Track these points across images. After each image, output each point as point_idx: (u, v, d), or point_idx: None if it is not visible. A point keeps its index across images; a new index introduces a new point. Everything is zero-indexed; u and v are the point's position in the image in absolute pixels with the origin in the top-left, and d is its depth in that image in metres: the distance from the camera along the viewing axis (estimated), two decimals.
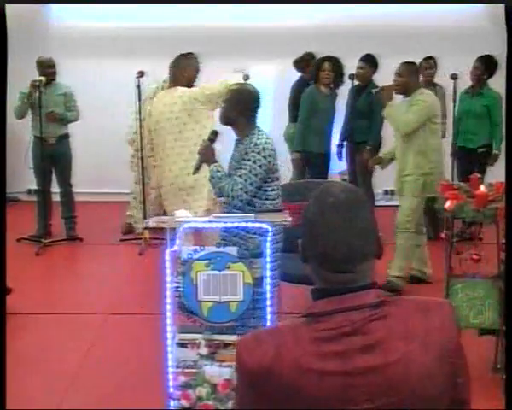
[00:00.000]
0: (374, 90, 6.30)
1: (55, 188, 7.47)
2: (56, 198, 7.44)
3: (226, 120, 4.14)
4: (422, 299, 1.56)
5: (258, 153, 3.93)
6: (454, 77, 6.95)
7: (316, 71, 6.97)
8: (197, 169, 4.23)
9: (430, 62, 7.13)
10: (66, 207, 7.39)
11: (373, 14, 8.35)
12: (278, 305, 4.60)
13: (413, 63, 5.88)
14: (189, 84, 5.52)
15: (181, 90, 5.43)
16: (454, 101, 7.03)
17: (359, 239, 1.47)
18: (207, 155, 4.14)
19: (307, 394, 1.43)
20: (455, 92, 6.99)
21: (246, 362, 1.49)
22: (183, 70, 5.54)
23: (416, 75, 5.86)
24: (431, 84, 7.14)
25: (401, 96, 5.88)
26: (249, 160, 3.93)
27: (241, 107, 4.05)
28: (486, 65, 6.86)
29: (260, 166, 3.93)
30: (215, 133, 4.23)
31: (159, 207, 6.62)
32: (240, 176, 3.92)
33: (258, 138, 3.98)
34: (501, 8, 5.88)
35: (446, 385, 1.47)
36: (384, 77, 7.23)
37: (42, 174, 7.16)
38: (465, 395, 1.54)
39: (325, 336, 1.44)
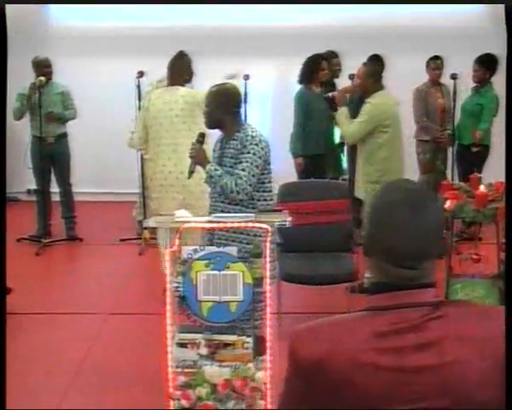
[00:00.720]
0: (327, 95, 6.30)
1: (55, 188, 7.47)
2: (56, 198, 7.44)
3: (213, 123, 4.13)
4: (482, 305, 1.57)
5: (256, 145, 3.94)
6: (454, 77, 6.95)
7: (310, 71, 6.91)
8: (191, 172, 4.23)
9: (437, 62, 7.12)
10: (66, 206, 7.39)
11: (374, 15, 8.34)
12: (278, 305, 4.60)
13: (372, 64, 5.91)
14: (186, 84, 5.58)
15: (184, 90, 5.47)
16: (454, 100, 7.03)
17: (427, 237, 1.48)
18: (200, 157, 4.13)
19: (360, 388, 1.42)
20: (455, 92, 7.00)
21: (299, 354, 1.48)
22: (181, 70, 5.58)
23: (376, 77, 5.70)
24: (437, 84, 7.15)
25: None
26: (248, 152, 3.93)
27: (225, 106, 4.04)
28: (485, 64, 6.86)
29: (260, 157, 3.94)
30: (203, 135, 4.25)
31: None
32: (242, 170, 3.91)
33: (253, 132, 4.00)
34: (501, 8, 5.88)
35: (498, 394, 1.45)
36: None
37: (41, 174, 7.16)
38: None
39: (382, 331, 1.44)
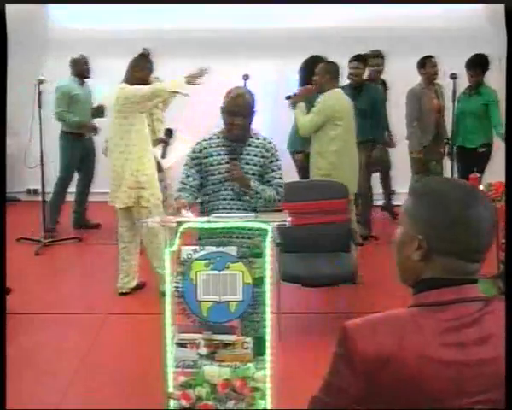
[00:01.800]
0: (289, 95, 6.39)
1: (52, 188, 7.51)
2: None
3: (247, 131, 3.94)
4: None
5: (277, 151, 3.99)
6: (453, 77, 6.94)
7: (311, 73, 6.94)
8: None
9: (432, 61, 7.12)
10: (84, 200, 7.78)
11: (374, 16, 8.34)
12: (277, 305, 4.60)
13: (329, 63, 6.08)
14: (143, 84, 5.60)
15: (122, 87, 5.55)
16: (453, 100, 7.03)
17: (493, 230, 1.54)
18: (242, 177, 3.86)
19: (428, 383, 1.43)
20: (454, 92, 6.99)
21: (361, 349, 1.45)
22: (135, 69, 5.66)
23: (331, 75, 5.90)
24: (432, 84, 7.14)
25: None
26: (277, 160, 3.97)
27: (253, 112, 3.94)
28: (477, 66, 6.86)
29: (280, 160, 4.01)
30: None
31: None
32: (279, 178, 3.96)
33: (266, 138, 4.01)
34: (501, 8, 5.89)
35: None
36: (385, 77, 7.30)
37: (72, 169, 7.59)
38: None
39: (448, 326, 1.46)
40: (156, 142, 6.02)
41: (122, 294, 5.72)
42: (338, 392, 1.49)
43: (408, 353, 1.43)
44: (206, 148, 3.93)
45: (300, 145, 6.87)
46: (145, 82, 5.63)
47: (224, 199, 3.91)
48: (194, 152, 3.97)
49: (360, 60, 7.03)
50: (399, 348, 1.43)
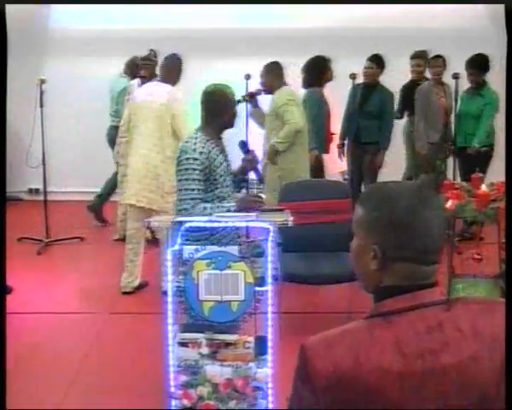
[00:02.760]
0: (243, 95, 6.36)
1: (54, 187, 7.51)
2: (54, 197, 7.47)
3: None
4: (484, 299, 1.58)
5: None
6: (456, 76, 6.95)
7: (320, 73, 6.96)
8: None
9: (439, 61, 7.12)
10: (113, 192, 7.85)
11: (376, 16, 8.34)
12: (279, 304, 4.59)
13: (272, 63, 6.14)
14: (174, 85, 5.79)
15: (171, 88, 5.70)
16: (455, 100, 7.03)
17: (442, 229, 1.52)
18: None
19: (388, 395, 1.40)
20: (456, 92, 7.00)
21: (318, 367, 1.43)
22: (171, 70, 5.81)
23: (277, 74, 6.09)
24: (439, 83, 7.15)
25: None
26: None
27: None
28: (479, 66, 6.86)
29: None
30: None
31: None
32: None
33: None
34: (502, 8, 5.86)
35: (505, 389, 1.46)
36: (385, 77, 7.29)
37: None
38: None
39: (402, 335, 1.43)
40: None
41: (125, 293, 5.74)
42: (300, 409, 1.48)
43: (364, 367, 1.40)
44: (210, 151, 3.73)
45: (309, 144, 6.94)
46: (176, 82, 5.84)
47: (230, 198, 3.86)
48: (201, 163, 3.68)
49: (374, 60, 7.05)
50: (355, 363, 1.41)
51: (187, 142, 3.78)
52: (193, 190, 3.65)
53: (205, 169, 3.68)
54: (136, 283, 5.79)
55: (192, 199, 3.64)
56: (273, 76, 6.07)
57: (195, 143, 3.70)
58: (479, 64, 6.85)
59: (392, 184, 1.57)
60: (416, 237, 1.47)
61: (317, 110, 6.86)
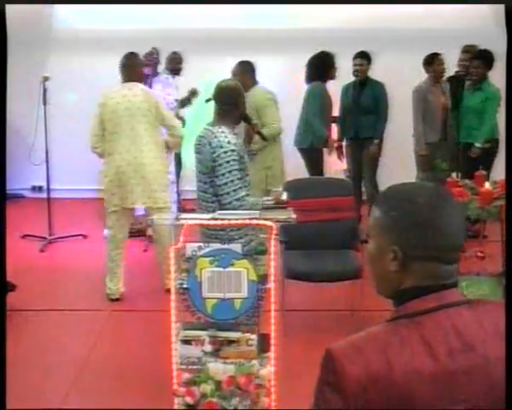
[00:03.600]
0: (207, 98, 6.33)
1: (58, 185, 7.51)
2: (58, 195, 7.47)
3: None
4: (497, 301, 1.58)
5: None
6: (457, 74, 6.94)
7: (324, 69, 7.00)
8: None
9: (439, 58, 7.12)
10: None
11: (378, 15, 8.33)
12: (282, 302, 4.60)
13: (243, 62, 6.13)
14: (141, 81, 5.77)
15: (141, 85, 5.67)
16: (456, 97, 7.02)
17: (463, 228, 1.54)
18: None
19: (421, 397, 1.40)
20: (456, 89, 6.98)
21: (349, 372, 1.40)
22: (136, 67, 5.73)
23: (249, 72, 6.07)
24: (437, 81, 7.14)
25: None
26: None
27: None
28: (485, 60, 6.85)
29: None
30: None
31: None
32: None
33: None
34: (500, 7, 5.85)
35: None
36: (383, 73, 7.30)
37: None
38: None
39: (429, 335, 1.43)
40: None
41: (116, 299, 5.62)
42: None
43: (396, 369, 1.40)
44: (236, 142, 3.91)
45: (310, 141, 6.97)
46: (141, 80, 5.77)
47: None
48: (237, 153, 3.85)
49: (364, 56, 7.10)
50: (387, 364, 1.40)
51: (215, 137, 3.85)
52: (236, 181, 3.81)
53: (240, 159, 3.85)
54: (122, 288, 5.71)
55: (235, 190, 3.80)
56: (247, 75, 6.01)
57: (226, 136, 3.84)
58: (485, 57, 6.83)
59: (409, 185, 1.58)
60: (437, 235, 1.47)
61: (321, 102, 6.91)
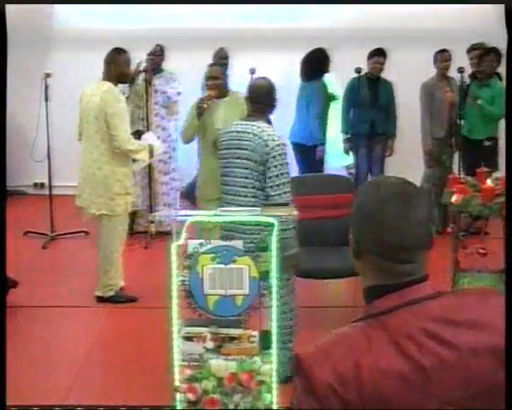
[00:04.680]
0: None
1: (59, 182, 7.52)
2: (60, 191, 7.49)
3: None
4: (476, 289, 1.56)
5: None
6: (461, 70, 6.93)
7: (320, 66, 7.05)
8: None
9: (445, 55, 7.10)
10: None
11: (382, 13, 8.34)
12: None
13: (221, 65, 5.91)
14: (122, 80, 5.60)
15: (108, 86, 5.43)
16: (460, 94, 7.01)
17: (420, 228, 1.47)
18: None
19: (390, 396, 1.40)
20: (462, 85, 6.97)
21: (319, 375, 1.41)
22: (113, 65, 5.53)
23: (226, 78, 5.65)
24: (445, 77, 7.14)
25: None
26: None
27: None
28: (498, 57, 6.84)
29: None
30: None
31: None
32: None
33: None
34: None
35: (501, 378, 1.44)
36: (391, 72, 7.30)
37: None
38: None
39: (395, 334, 1.42)
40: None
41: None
42: None
43: (365, 369, 1.39)
44: None
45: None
46: (125, 77, 5.63)
47: None
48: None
49: (381, 53, 7.15)
50: (355, 365, 1.40)
51: (263, 131, 3.96)
52: (286, 174, 3.96)
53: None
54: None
55: (284, 184, 3.93)
56: (225, 79, 5.61)
57: (273, 131, 4.00)
58: (498, 54, 6.82)
59: (380, 178, 1.59)
60: (384, 231, 1.45)
61: (324, 102, 6.95)
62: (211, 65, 5.86)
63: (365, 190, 1.54)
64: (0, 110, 3.27)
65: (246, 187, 3.98)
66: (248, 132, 3.99)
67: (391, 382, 1.39)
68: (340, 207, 5.21)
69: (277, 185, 3.89)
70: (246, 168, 3.98)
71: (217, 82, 5.44)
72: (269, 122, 4.19)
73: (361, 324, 1.48)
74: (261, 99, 4.10)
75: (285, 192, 3.91)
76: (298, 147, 7.13)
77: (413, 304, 1.45)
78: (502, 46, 6.77)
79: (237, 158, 4.02)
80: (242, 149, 4.00)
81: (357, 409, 1.40)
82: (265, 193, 3.93)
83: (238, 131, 4.05)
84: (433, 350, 1.41)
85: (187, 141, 5.73)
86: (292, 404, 1.49)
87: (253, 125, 4.00)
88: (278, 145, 3.92)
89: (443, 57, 7.10)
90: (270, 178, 3.89)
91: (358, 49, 7.35)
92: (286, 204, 3.92)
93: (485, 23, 8.13)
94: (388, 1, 8.06)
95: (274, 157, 3.89)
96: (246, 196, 3.98)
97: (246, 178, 3.98)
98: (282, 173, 3.91)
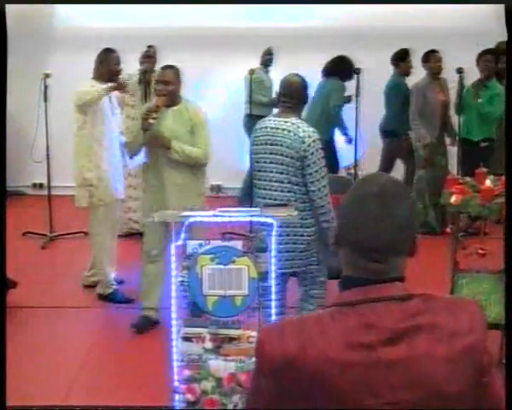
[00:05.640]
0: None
1: (59, 182, 7.52)
2: (59, 192, 7.48)
3: None
4: (451, 297, 1.58)
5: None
6: (460, 71, 6.93)
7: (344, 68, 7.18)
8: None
9: (436, 55, 7.11)
10: None
11: (382, 14, 8.35)
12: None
13: (175, 67, 4.91)
14: (111, 79, 5.55)
15: (88, 83, 5.51)
16: (459, 95, 7.01)
17: (396, 232, 1.47)
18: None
19: (331, 385, 1.42)
20: (461, 86, 6.98)
21: (268, 352, 1.47)
22: (101, 64, 5.58)
23: (181, 82, 4.90)
24: (437, 78, 7.14)
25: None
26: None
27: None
28: (496, 57, 6.84)
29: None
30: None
31: None
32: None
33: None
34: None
35: (469, 385, 1.46)
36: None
37: None
38: (494, 392, 1.52)
39: (351, 326, 1.44)
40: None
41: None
42: (255, 393, 1.54)
43: (310, 354, 1.43)
44: None
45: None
46: (114, 76, 5.59)
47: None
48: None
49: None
50: (302, 350, 1.44)
51: (298, 127, 3.99)
52: (323, 169, 4.01)
53: None
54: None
55: (323, 177, 4.00)
56: (180, 84, 4.92)
57: (309, 127, 4.03)
58: (496, 55, 6.82)
59: (370, 175, 1.59)
60: (358, 228, 1.48)
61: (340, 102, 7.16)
62: (164, 67, 4.95)
63: (354, 185, 1.57)
64: (0, 110, 3.26)
65: (282, 182, 4.00)
66: (283, 129, 4.01)
67: (333, 370, 1.42)
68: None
69: (318, 180, 3.96)
70: (281, 164, 3.99)
71: (169, 88, 4.75)
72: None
73: (323, 311, 1.52)
74: (293, 95, 4.11)
75: (324, 186, 3.99)
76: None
77: (376, 302, 1.46)
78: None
79: (271, 154, 4.04)
80: (277, 145, 4.02)
81: (299, 390, 1.44)
82: (304, 189, 3.98)
83: (272, 128, 4.07)
84: (383, 349, 1.43)
85: (133, 154, 5.06)
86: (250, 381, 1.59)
87: (287, 122, 4.02)
88: (314, 141, 3.95)
89: (435, 58, 7.10)
90: (310, 174, 3.94)
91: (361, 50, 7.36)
92: (284, 204, 3.92)
93: (481, 22, 8.15)
94: (389, 1, 8.06)
95: (312, 153, 3.93)
96: (282, 191, 4.00)
97: (281, 173, 4.00)
98: (320, 168, 3.97)
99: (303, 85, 4.19)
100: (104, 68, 5.54)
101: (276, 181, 4.03)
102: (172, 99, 4.79)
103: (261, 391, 1.51)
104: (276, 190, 4.03)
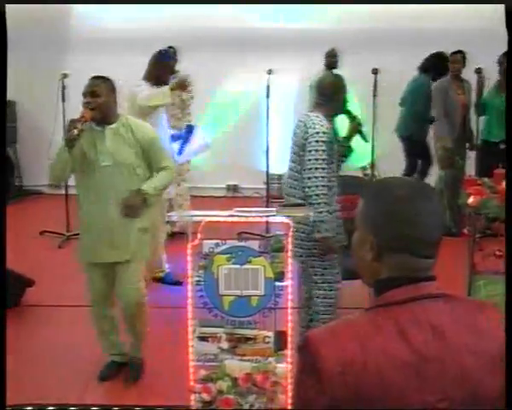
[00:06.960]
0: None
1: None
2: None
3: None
4: (473, 299, 1.61)
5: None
6: (478, 71, 6.89)
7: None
8: None
9: (457, 57, 7.05)
10: None
11: (394, 14, 8.33)
12: (299, 299, 4.58)
13: (107, 79, 4.23)
14: (160, 81, 5.62)
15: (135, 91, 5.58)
16: (478, 95, 6.97)
17: (441, 227, 1.56)
18: None
19: (393, 382, 1.43)
20: (479, 86, 6.93)
21: (324, 354, 1.45)
22: (152, 67, 5.69)
23: (114, 94, 4.20)
24: (459, 79, 7.09)
25: None
26: None
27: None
28: None
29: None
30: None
31: None
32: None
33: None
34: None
35: (496, 383, 1.51)
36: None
37: None
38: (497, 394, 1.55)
39: (407, 324, 1.46)
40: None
41: None
42: (306, 404, 1.49)
43: (370, 353, 1.43)
44: (328, 127, 4.05)
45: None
46: (165, 79, 5.65)
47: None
48: (329, 138, 4.00)
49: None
50: (361, 349, 1.44)
51: (310, 119, 4.01)
52: (320, 161, 3.94)
53: (330, 144, 3.99)
54: None
55: (322, 169, 3.94)
56: (111, 99, 4.16)
57: (321, 121, 4.00)
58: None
59: (392, 178, 1.62)
60: (410, 227, 1.49)
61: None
62: (93, 77, 4.22)
63: (383, 190, 1.56)
64: (0, 110, 3.26)
65: (291, 170, 4.10)
66: (300, 121, 4.08)
67: (395, 370, 1.43)
68: (353, 209, 5.19)
69: (310, 169, 3.93)
70: (293, 153, 4.09)
71: (98, 100, 4.04)
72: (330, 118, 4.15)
73: (371, 312, 1.52)
74: (322, 91, 4.12)
75: (317, 177, 3.91)
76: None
77: (423, 299, 1.49)
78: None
79: (293, 145, 4.13)
80: (294, 136, 4.11)
81: (357, 392, 1.43)
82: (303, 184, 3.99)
83: (298, 121, 4.15)
84: (436, 344, 1.46)
85: (58, 181, 4.41)
86: (294, 386, 1.55)
87: (307, 115, 4.06)
88: (317, 133, 3.93)
89: (455, 59, 7.05)
90: (307, 161, 3.95)
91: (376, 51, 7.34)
92: (301, 204, 3.91)
93: (498, 24, 8.09)
94: (389, 1, 8.03)
95: (310, 142, 3.93)
96: (294, 188, 4.08)
97: (293, 162, 4.09)
98: (317, 159, 3.92)
99: (334, 85, 4.17)
100: (159, 71, 5.67)
101: (290, 169, 4.13)
102: (104, 114, 4.06)
103: (313, 400, 1.47)
104: (289, 178, 4.13)
